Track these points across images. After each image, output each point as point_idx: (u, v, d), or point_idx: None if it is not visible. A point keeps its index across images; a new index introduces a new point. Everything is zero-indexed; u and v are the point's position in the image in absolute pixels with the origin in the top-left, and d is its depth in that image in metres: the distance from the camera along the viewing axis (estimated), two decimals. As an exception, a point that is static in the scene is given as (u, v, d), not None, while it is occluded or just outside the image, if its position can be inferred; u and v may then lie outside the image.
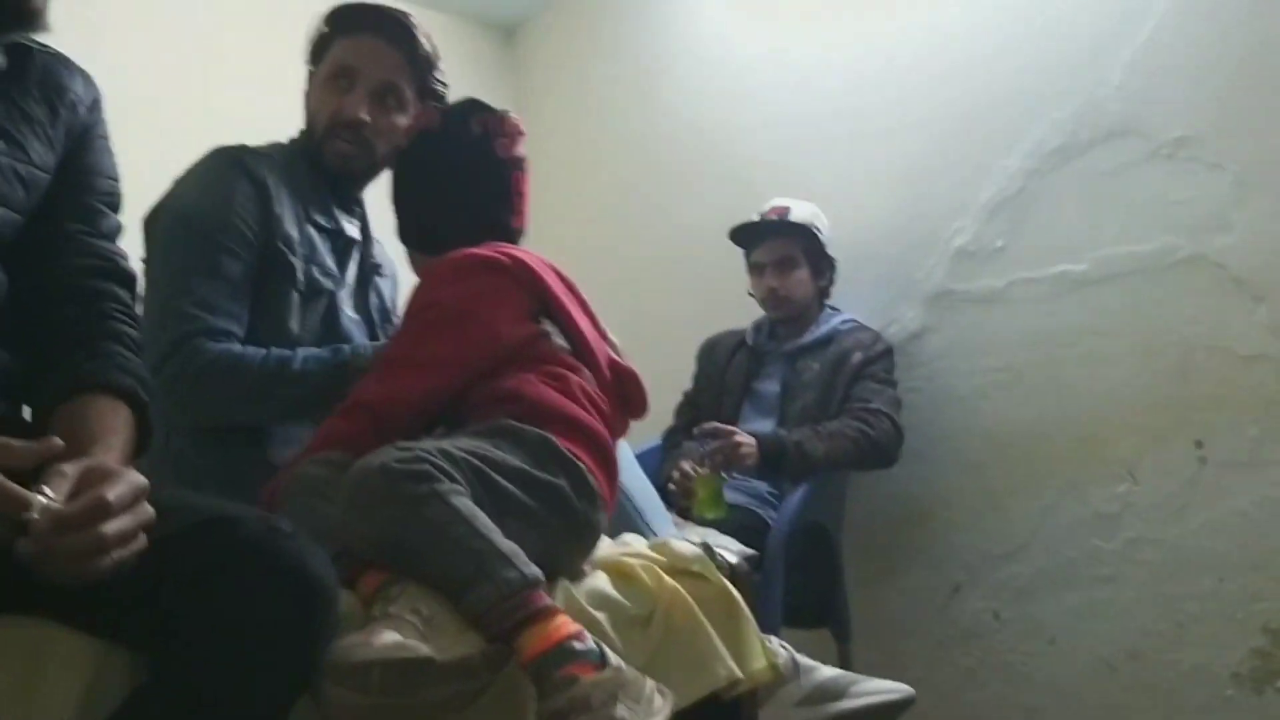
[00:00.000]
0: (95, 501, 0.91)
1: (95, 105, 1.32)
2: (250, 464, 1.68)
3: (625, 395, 1.60)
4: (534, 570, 1.20)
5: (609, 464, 1.48)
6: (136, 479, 0.97)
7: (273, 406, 1.69)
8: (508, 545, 1.21)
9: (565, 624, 1.17)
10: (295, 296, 1.79)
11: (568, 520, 1.37)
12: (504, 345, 1.48)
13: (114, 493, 0.93)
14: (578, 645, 1.14)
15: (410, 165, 1.73)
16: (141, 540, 0.96)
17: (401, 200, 1.73)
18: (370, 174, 1.92)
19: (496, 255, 1.53)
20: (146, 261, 1.74)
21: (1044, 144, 2.68)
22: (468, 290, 1.50)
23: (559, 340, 1.54)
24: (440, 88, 1.96)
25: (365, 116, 1.84)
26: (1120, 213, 2.54)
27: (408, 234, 1.73)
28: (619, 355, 1.64)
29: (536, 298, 1.55)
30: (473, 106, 1.72)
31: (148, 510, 0.97)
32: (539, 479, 1.34)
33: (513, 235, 1.68)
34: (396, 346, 1.53)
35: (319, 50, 1.93)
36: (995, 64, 2.80)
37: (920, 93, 2.97)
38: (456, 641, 1.14)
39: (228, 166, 1.78)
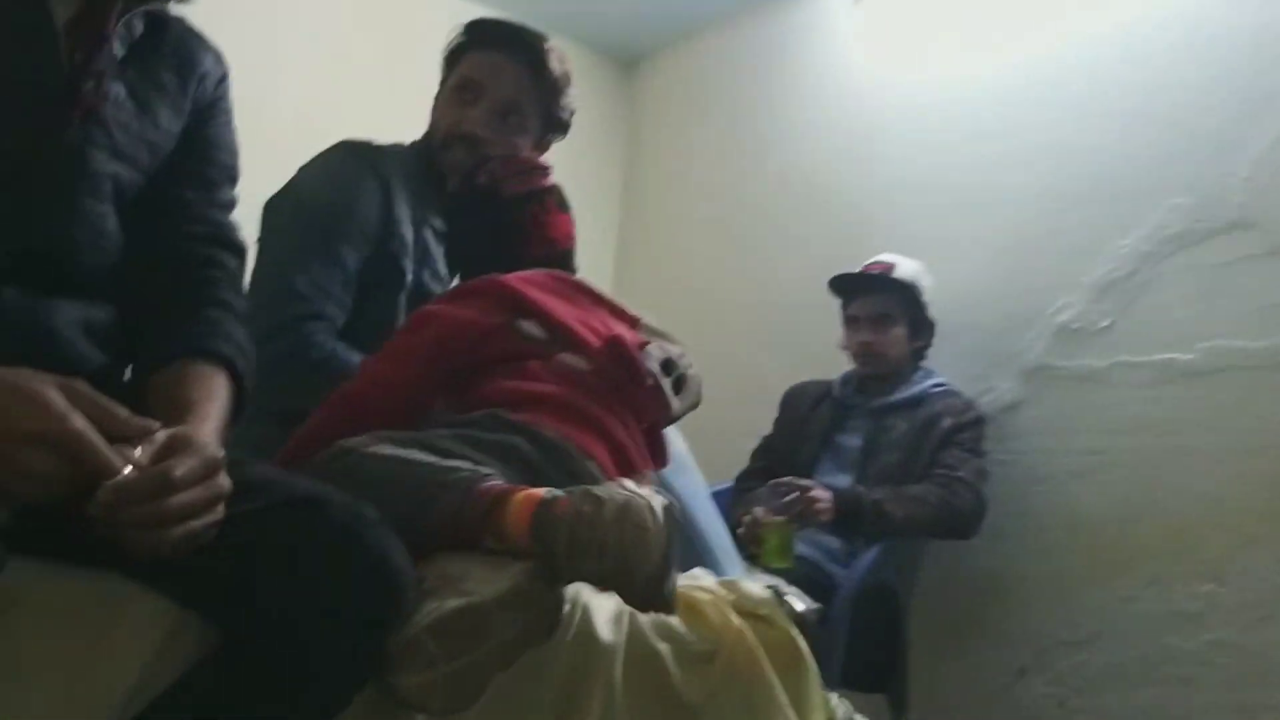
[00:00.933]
0: (158, 475, 0.91)
1: (223, 81, 1.36)
2: None
3: (625, 366, 1.55)
4: (483, 469, 1.23)
5: (590, 424, 1.45)
6: (210, 451, 0.97)
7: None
8: (449, 461, 1.25)
9: (532, 494, 1.17)
10: (403, 299, 1.82)
11: (526, 474, 1.33)
12: (462, 325, 1.51)
13: (182, 466, 0.92)
14: (548, 495, 1.16)
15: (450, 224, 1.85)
16: (217, 513, 0.96)
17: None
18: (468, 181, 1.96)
19: (474, 283, 1.61)
20: (261, 243, 1.77)
21: (1162, 229, 2.64)
22: (438, 305, 1.59)
23: (535, 332, 1.54)
24: (565, 115, 1.98)
25: (483, 133, 1.87)
26: (1234, 306, 2.49)
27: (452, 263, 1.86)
28: (650, 332, 1.65)
29: (506, 303, 1.56)
30: (481, 161, 1.80)
31: (221, 483, 0.97)
32: (486, 440, 1.35)
33: (540, 263, 1.69)
34: (374, 364, 1.59)
35: (452, 60, 1.96)
36: (1121, 145, 2.76)
37: (1042, 165, 2.93)
38: (493, 579, 1.12)
39: (355, 161, 1.82)
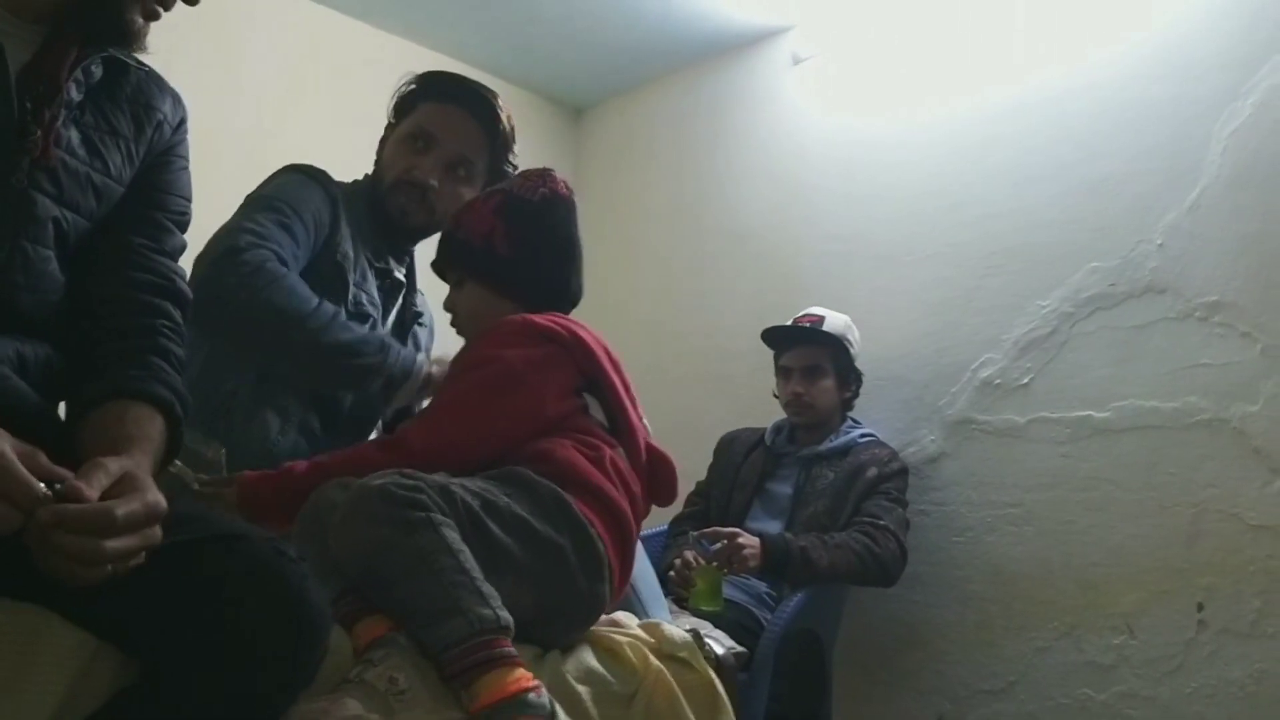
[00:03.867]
0: (103, 513, 0.93)
1: (180, 125, 1.37)
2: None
3: (656, 479, 1.62)
4: (507, 616, 1.22)
5: (625, 542, 1.49)
6: (156, 500, 0.99)
7: (303, 345, 1.68)
8: (488, 587, 1.23)
9: (525, 677, 1.18)
10: (343, 312, 1.84)
11: (566, 585, 1.38)
12: (547, 418, 1.51)
13: (125, 509, 0.95)
14: (532, 698, 1.16)
15: (515, 221, 1.69)
16: (140, 559, 0.98)
17: (488, 243, 1.67)
18: (425, 232, 1.99)
19: (555, 326, 1.57)
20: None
21: (1081, 290, 2.73)
22: (525, 355, 1.52)
23: (598, 415, 1.57)
24: (510, 169, 2.02)
25: (434, 182, 1.91)
26: (1148, 367, 2.58)
27: (478, 266, 1.69)
28: (652, 438, 1.67)
29: (585, 372, 1.58)
30: (563, 183, 1.76)
31: (156, 534, 0.99)
32: (540, 534, 1.36)
33: (572, 299, 1.74)
34: (450, 393, 1.55)
35: (404, 107, 2.00)
36: (1045, 209, 2.86)
37: (970, 228, 3.03)
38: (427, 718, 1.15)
39: (307, 175, 1.87)
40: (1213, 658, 2.36)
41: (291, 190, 1.81)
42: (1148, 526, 2.51)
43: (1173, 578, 2.45)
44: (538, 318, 1.58)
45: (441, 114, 1.95)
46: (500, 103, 2.00)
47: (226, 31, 3.48)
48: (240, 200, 1.86)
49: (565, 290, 1.71)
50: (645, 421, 1.68)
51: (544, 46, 4.02)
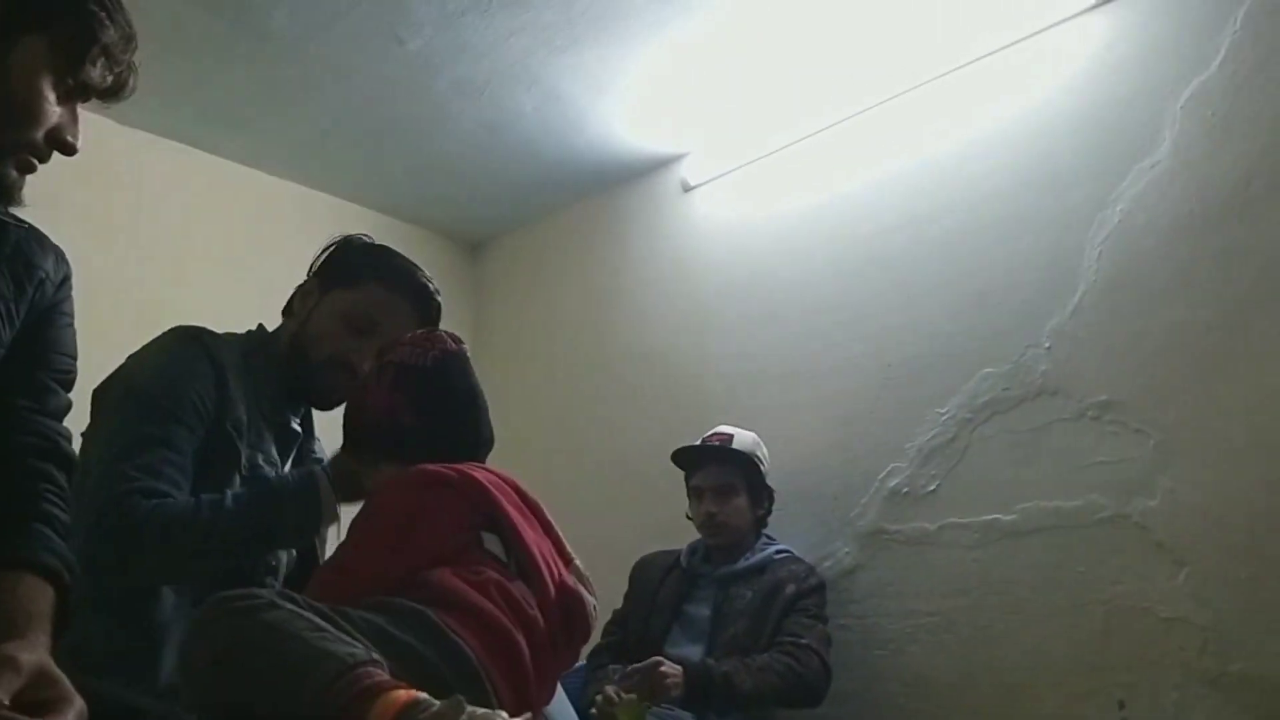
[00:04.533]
0: None
1: (64, 283, 1.35)
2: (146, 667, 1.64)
3: (569, 618, 1.58)
4: (364, 653, 1.17)
5: (513, 664, 1.43)
6: (82, 709, 0.97)
7: (212, 545, 1.63)
8: (346, 638, 1.19)
9: (408, 692, 1.12)
10: (237, 480, 1.79)
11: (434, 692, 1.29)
12: (441, 556, 1.48)
13: None
14: (424, 698, 1.11)
15: (413, 390, 1.71)
16: None
17: (393, 418, 1.69)
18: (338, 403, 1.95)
19: (445, 471, 1.56)
20: (89, 432, 1.73)
21: (977, 396, 2.80)
22: (416, 501, 1.51)
23: (496, 550, 1.54)
24: None
25: (366, 368, 1.89)
26: (1047, 468, 2.64)
27: (389, 444, 1.69)
28: (577, 579, 1.63)
29: (482, 512, 1.55)
30: (450, 337, 1.78)
31: None
32: (397, 638, 1.30)
33: (486, 448, 1.73)
34: (342, 553, 1.53)
35: (343, 277, 1.94)
36: (939, 320, 2.95)
37: (867, 341, 3.10)
38: None
39: (189, 343, 1.81)
40: (1138, 755, 2.37)
41: (170, 379, 1.74)
42: (1062, 626, 2.54)
43: (1092, 676, 2.47)
44: (429, 466, 1.57)
45: (389, 302, 1.93)
46: (434, 287, 1.99)
47: (115, 182, 3.46)
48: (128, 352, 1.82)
49: (476, 440, 1.72)
50: (577, 564, 1.66)
51: (440, 186, 4.07)
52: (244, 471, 1.80)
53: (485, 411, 1.76)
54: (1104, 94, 2.72)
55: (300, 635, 1.18)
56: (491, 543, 1.54)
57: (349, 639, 1.20)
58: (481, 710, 1.10)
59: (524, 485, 1.66)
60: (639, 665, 2.52)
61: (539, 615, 1.50)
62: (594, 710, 2.53)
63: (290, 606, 1.21)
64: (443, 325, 1.94)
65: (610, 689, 2.53)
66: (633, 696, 2.42)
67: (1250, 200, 2.42)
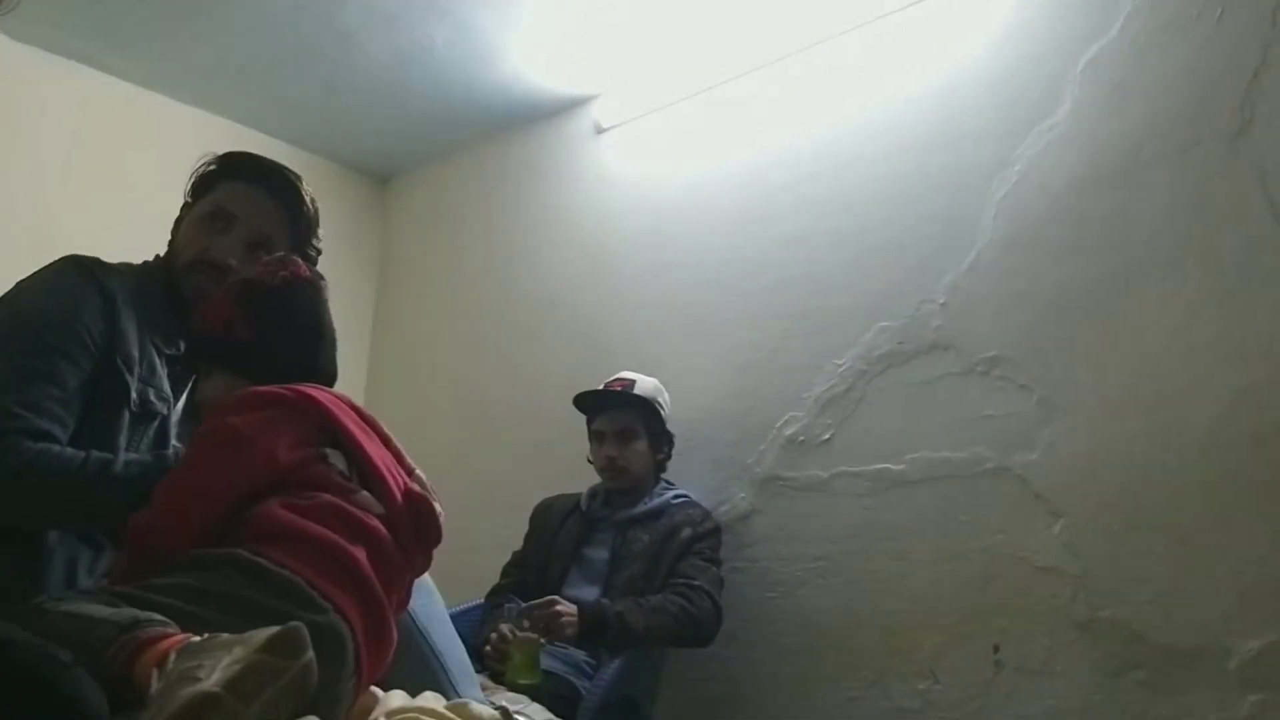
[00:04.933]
0: None
1: None
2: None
3: (419, 523, 1.60)
4: (141, 613, 1.19)
5: (358, 582, 1.44)
6: None
7: (93, 509, 1.63)
8: (116, 609, 1.20)
9: (171, 641, 1.13)
10: (127, 416, 1.76)
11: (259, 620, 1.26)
12: (279, 469, 1.48)
13: None
14: (189, 644, 1.12)
15: (254, 305, 1.71)
16: None
17: (228, 329, 1.70)
18: None
19: (280, 391, 1.56)
20: None
21: (873, 349, 2.86)
22: (249, 419, 1.51)
23: (339, 464, 1.54)
24: (314, 254, 1.98)
25: (233, 262, 1.85)
26: (936, 420, 2.71)
27: (221, 354, 1.70)
28: (421, 486, 1.65)
29: (320, 428, 1.56)
30: (308, 268, 1.77)
31: None
32: (210, 590, 1.31)
33: (324, 378, 1.71)
34: (180, 467, 1.53)
35: (202, 187, 1.94)
36: (837, 273, 3.00)
37: (767, 293, 3.14)
38: (226, 660, 1.07)
39: (79, 274, 1.76)
40: (1010, 697, 2.47)
41: (57, 310, 1.71)
42: (944, 573, 2.63)
43: (970, 621, 2.56)
44: (264, 387, 1.57)
45: (242, 193, 1.91)
46: (304, 185, 1.97)
47: (4, 100, 3.32)
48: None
49: (315, 369, 1.71)
50: (419, 474, 1.68)
51: (347, 117, 3.99)
52: (134, 408, 1.77)
53: (329, 344, 1.75)
54: (1008, 55, 2.77)
55: (80, 614, 1.19)
56: (335, 458, 1.54)
57: (111, 611, 1.20)
58: (239, 636, 1.10)
59: (359, 404, 1.67)
60: (535, 603, 2.56)
61: (380, 525, 1.51)
62: (489, 648, 2.56)
63: (79, 599, 1.24)
64: (349, 259, 1.93)
65: (505, 627, 2.56)
66: (529, 634, 2.45)
67: (1142, 165, 2.49)
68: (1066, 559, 2.44)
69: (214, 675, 1.03)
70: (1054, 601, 2.44)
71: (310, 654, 1.09)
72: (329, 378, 1.73)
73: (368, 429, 1.64)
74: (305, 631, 1.09)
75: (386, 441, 1.66)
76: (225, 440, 1.50)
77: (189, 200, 1.96)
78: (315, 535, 1.43)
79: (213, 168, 1.96)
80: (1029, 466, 2.53)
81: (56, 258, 1.81)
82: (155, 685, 1.07)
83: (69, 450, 1.62)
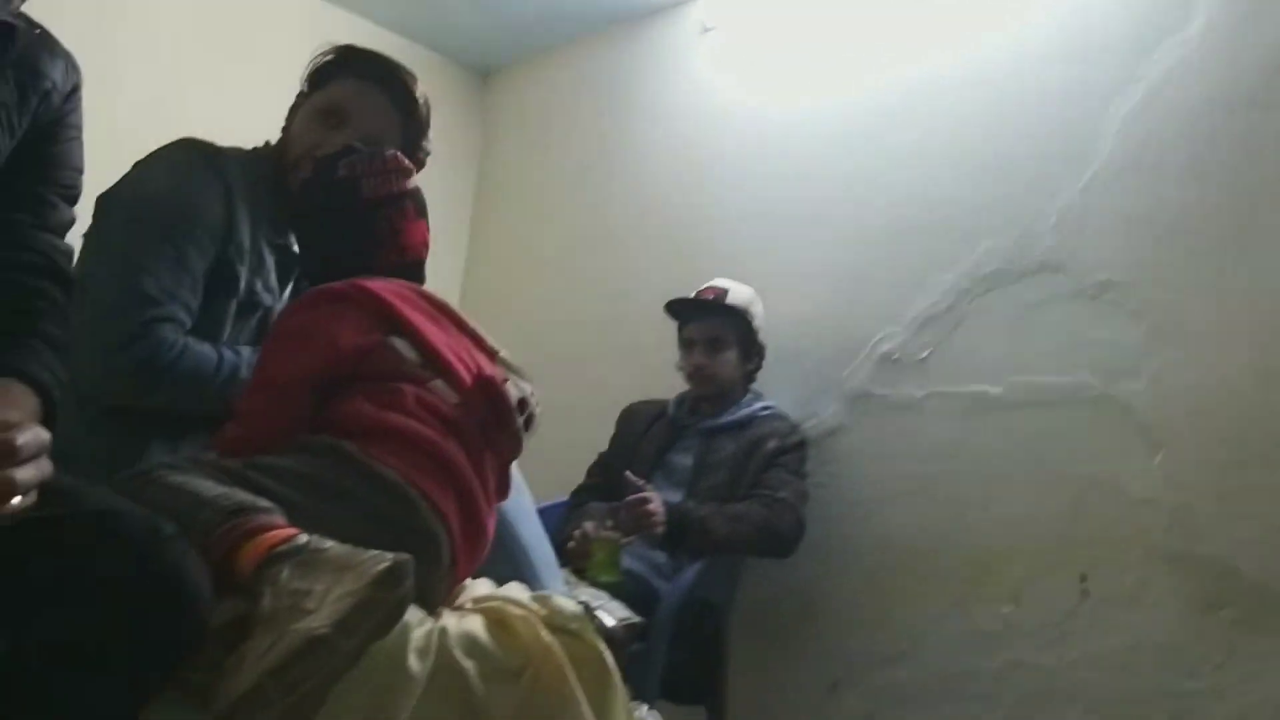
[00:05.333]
0: (4, 444, 0.91)
1: (73, 93, 1.30)
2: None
3: (494, 408, 1.57)
4: (248, 498, 1.22)
5: (455, 476, 1.46)
6: (42, 432, 0.97)
7: (219, 407, 1.65)
8: (224, 490, 1.25)
9: (274, 536, 1.17)
10: (234, 305, 1.78)
11: (367, 525, 1.31)
12: (343, 353, 1.49)
13: (23, 438, 0.93)
14: (283, 549, 1.15)
15: (296, 210, 1.79)
16: (33, 496, 0.96)
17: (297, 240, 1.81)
18: None
19: (339, 286, 1.57)
20: (97, 239, 1.71)
21: (980, 267, 2.78)
22: (310, 315, 1.54)
23: (408, 354, 1.53)
24: (423, 155, 1.96)
25: None
26: (1040, 343, 2.64)
27: (305, 270, 1.80)
28: (506, 368, 1.64)
29: (381, 317, 1.55)
30: (345, 151, 1.74)
31: (48, 465, 0.97)
32: (324, 479, 1.35)
33: (392, 271, 1.68)
34: (253, 373, 1.58)
35: (317, 80, 1.92)
36: (945, 188, 2.91)
37: (871, 205, 3.06)
38: (335, 594, 1.11)
39: (199, 160, 1.78)
40: (1094, 626, 2.44)
41: (183, 195, 1.73)
42: (1036, 499, 2.58)
43: (1058, 549, 2.53)
44: (323, 285, 1.58)
45: (357, 91, 1.88)
46: (419, 87, 1.94)
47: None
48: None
49: (366, 269, 1.66)
50: (504, 356, 1.67)
51: (451, 6, 3.95)
52: (241, 298, 1.79)
53: (385, 244, 1.70)
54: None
55: (188, 490, 1.23)
56: (402, 346, 1.54)
57: (219, 491, 1.24)
58: (339, 548, 1.14)
59: (439, 298, 1.66)
60: (630, 499, 2.57)
61: (461, 412, 1.51)
62: (571, 544, 2.59)
63: (190, 471, 1.28)
64: (449, 153, 1.91)
65: (589, 525, 2.59)
66: (611, 534, 2.48)
67: (1275, 89, 2.36)
68: (1165, 491, 2.38)
69: (323, 612, 1.07)
70: (1147, 534, 2.39)
71: (410, 584, 1.12)
72: (397, 273, 1.70)
73: (438, 315, 1.62)
74: (411, 565, 1.12)
75: (461, 326, 1.65)
76: (287, 336, 1.53)
77: (305, 90, 1.95)
78: (409, 431, 1.44)
79: (330, 58, 1.93)
80: (1133, 395, 2.46)
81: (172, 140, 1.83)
82: (266, 599, 1.10)
83: (205, 349, 1.68)
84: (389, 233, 1.69)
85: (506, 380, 1.60)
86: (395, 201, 1.70)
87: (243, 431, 1.47)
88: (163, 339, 1.62)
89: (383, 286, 1.58)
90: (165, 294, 1.65)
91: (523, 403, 1.60)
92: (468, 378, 1.55)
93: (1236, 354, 2.32)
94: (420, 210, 1.74)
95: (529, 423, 1.62)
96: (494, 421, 1.55)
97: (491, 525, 1.55)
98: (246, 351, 1.74)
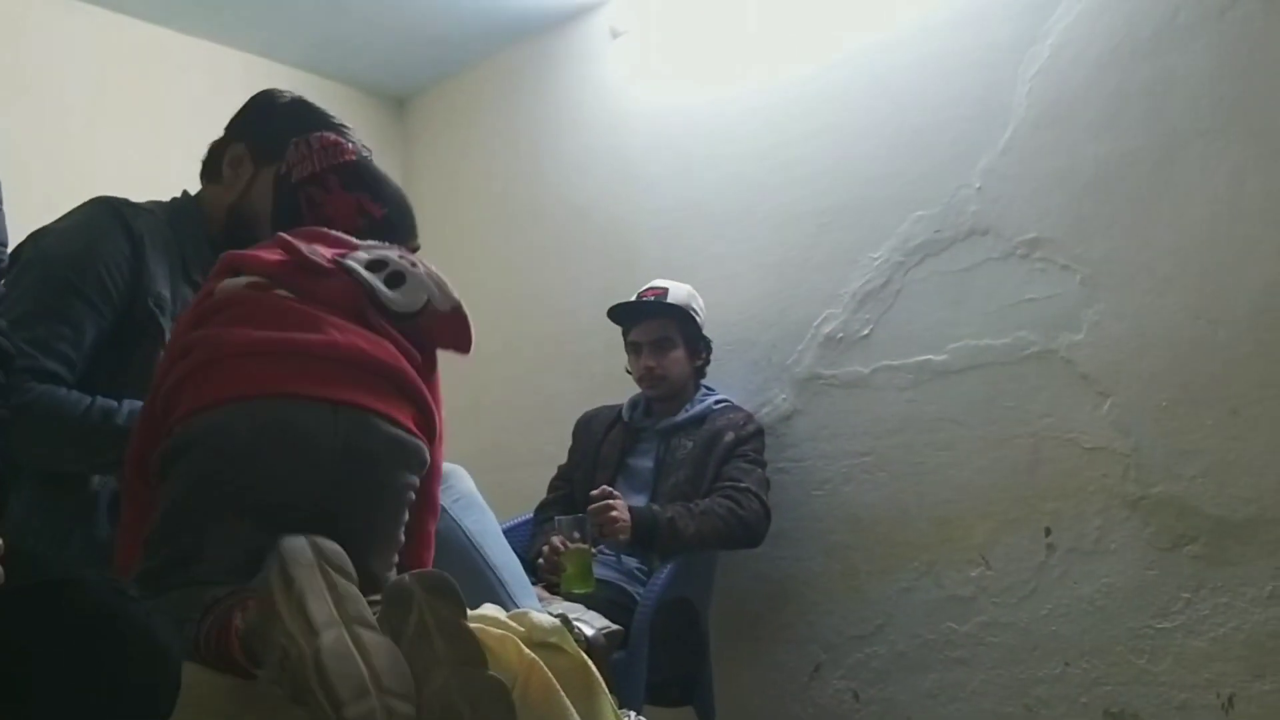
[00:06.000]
0: None
1: None
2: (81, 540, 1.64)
3: (294, 263, 1.49)
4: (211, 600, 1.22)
5: (328, 357, 1.41)
6: None
7: (95, 454, 1.64)
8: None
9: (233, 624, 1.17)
10: (160, 354, 1.76)
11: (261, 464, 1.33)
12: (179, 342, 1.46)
13: None
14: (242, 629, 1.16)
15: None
16: None
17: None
18: None
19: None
20: (5, 289, 1.68)
21: (910, 240, 2.81)
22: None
23: (236, 285, 1.48)
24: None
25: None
26: (977, 307, 2.67)
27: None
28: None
29: (225, 272, 1.51)
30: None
31: None
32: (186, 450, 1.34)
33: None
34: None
35: (279, 148, 1.81)
36: (868, 164, 2.93)
37: (798, 187, 3.08)
38: None
39: (105, 216, 1.75)
40: (1063, 578, 2.48)
41: (78, 250, 1.70)
42: (992, 460, 2.61)
43: (1019, 506, 2.56)
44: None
45: None
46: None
47: (17, 45, 3.31)
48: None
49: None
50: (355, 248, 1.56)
51: (358, 38, 3.92)
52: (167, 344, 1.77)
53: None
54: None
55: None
56: (228, 285, 1.49)
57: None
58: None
59: (327, 231, 1.57)
60: (593, 506, 2.56)
61: (259, 284, 1.46)
62: (541, 560, 2.59)
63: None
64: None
65: (556, 539, 2.59)
66: (580, 545, 2.47)
67: (1178, 30, 2.41)
68: (1116, 438, 2.42)
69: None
70: (1104, 481, 2.43)
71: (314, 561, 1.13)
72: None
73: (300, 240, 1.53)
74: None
75: (338, 241, 1.55)
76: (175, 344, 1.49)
77: (250, 151, 1.90)
78: (263, 341, 1.40)
79: (280, 125, 1.86)
80: (1074, 347, 2.50)
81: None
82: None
83: (73, 394, 1.63)
84: (308, 207, 1.64)
85: (351, 250, 1.52)
86: (317, 179, 1.66)
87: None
88: (14, 385, 1.57)
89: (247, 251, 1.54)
90: (35, 345, 1.62)
91: (378, 262, 1.51)
92: (325, 266, 1.48)
93: (1170, 296, 2.37)
94: (350, 184, 1.67)
95: (396, 281, 1.51)
96: (299, 273, 1.47)
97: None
98: (129, 402, 1.69)
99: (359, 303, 1.48)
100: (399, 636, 1.14)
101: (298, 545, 1.15)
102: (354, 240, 1.55)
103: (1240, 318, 2.27)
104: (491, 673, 1.16)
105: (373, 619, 1.13)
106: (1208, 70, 2.36)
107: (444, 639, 1.13)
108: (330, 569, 1.14)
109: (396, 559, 1.49)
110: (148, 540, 1.35)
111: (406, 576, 1.18)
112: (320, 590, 1.10)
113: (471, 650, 1.14)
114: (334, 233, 1.56)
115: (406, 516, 1.49)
